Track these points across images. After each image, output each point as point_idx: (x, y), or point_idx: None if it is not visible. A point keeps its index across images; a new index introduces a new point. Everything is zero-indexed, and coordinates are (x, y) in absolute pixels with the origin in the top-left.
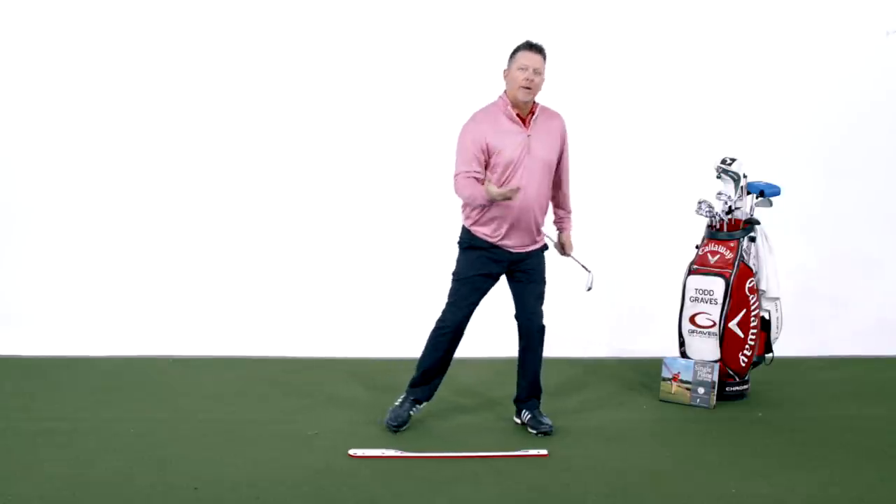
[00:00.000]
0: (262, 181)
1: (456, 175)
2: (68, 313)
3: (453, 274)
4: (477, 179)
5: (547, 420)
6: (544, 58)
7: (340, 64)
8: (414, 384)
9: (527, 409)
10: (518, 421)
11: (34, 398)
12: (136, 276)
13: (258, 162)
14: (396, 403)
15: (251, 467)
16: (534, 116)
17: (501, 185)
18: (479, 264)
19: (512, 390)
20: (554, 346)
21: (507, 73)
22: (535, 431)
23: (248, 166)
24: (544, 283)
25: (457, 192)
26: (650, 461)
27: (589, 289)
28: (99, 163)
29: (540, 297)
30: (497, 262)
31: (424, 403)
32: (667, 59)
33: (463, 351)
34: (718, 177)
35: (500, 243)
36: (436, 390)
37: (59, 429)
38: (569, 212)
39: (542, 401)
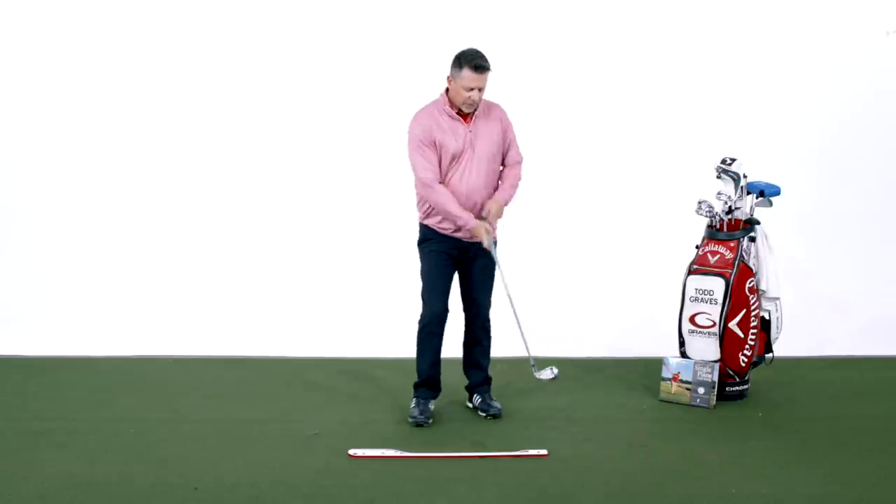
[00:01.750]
0: (261, 181)
1: (426, 180)
2: (68, 313)
3: (419, 274)
4: (440, 182)
5: (496, 404)
6: (489, 71)
7: (336, 66)
8: (417, 386)
9: (477, 394)
10: (470, 405)
11: (34, 398)
12: (136, 276)
13: (258, 163)
14: (412, 405)
15: (251, 467)
16: (475, 113)
17: (443, 180)
18: (437, 259)
19: (512, 390)
20: (554, 346)
21: (450, 81)
22: (484, 414)
23: (247, 168)
24: (492, 275)
25: (430, 197)
26: (650, 461)
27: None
28: (99, 163)
29: (487, 291)
30: (455, 250)
31: (436, 397)
32: (667, 59)
33: (459, 350)
34: (718, 177)
35: (452, 235)
36: (439, 384)
37: (59, 429)
38: (512, 185)
39: (492, 386)
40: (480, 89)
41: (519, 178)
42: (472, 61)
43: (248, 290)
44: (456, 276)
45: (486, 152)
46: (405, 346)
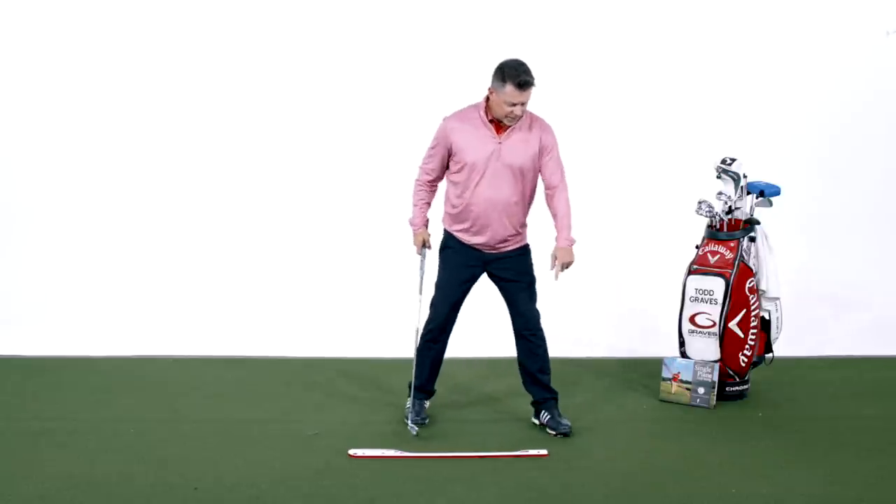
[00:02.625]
0: (261, 181)
1: (419, 171)
2: (68, 313)
3: (435, 280)
4: (430, 181)
5: (566, 421)
6: (534, 86)
7: (336, 65)
8: (413, 388)
9: (545, 410)
10: (536, 422)
11: (34, 398)
12: (136, 276)
13: (258, 163)
14: (408, 405)
15: (251, 467)
16: (512, 125)
17: (465, 186)
18: (455, 267)
19: (512, 389)
20: (554, 346)
21: (492, 93)
22: (553, 432)
23: (247, 168)
24: (532, 280)
25: (414, 185)
26: (650, 461)
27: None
28: (99, 163)
29: (531, 297)
30: (473, 262)
31: (431, 397)
32: (666, 59)
33: (461, 350)
34: (718, 177)
35: (475, 244)
36: (433, 390)
37: (59, 429)
38: (564, 215)
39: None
40: (523, 104)
41: (569, 212)
42: (516, 78)
43: (248, 290)
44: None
45: (514, 166)
46: (405, 347)
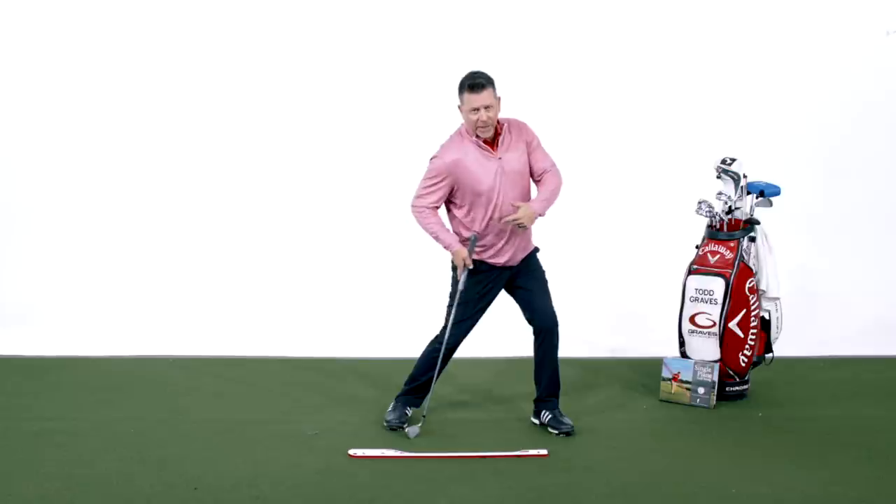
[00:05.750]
0: (262, 182)
1: (419, 205)
2: (68, 313)
3: (450, 296)
4: (432, 210)
5: (567, 420)
6: (492, 87)
7: (341, 66)
8: (404, 393)
9: (546, 409)
10: (536, 421)
11: (34, 398)
12: (136, 276)
13: (258, 163)
14: (390, 409)
15: (251, 467)
16: (500, 138)
17: (481, 214)
18: (476, 287)
19: (513, 390)
20: None
21: (461, 109)
22: (556, 432)
23: (248, 168)
24: (545, 280)
25: (419, 220)
26: (650, 461)
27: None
28: (99, 164)
29: (546, 295)
30: (499, 282)
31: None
32: (666, 59)
33: (463, 350)
34: (718, 177)
35: (501, 263)
36: (425, 399)
37: (59, 429)
38: (550, 189)
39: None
40: (487, 107)
41: (554, 189)
42: (467, 82)
43: (248, 290)
44: (503, 295)
45: (516, 171)
46: (405, 347)
